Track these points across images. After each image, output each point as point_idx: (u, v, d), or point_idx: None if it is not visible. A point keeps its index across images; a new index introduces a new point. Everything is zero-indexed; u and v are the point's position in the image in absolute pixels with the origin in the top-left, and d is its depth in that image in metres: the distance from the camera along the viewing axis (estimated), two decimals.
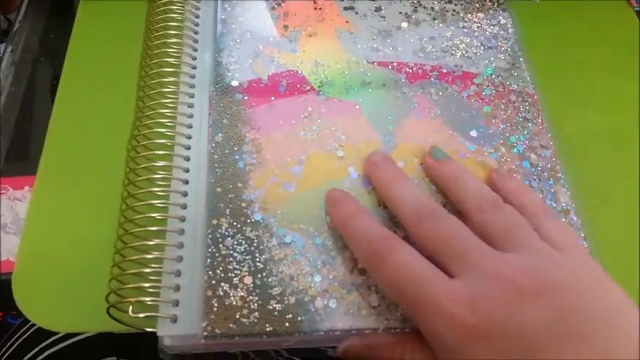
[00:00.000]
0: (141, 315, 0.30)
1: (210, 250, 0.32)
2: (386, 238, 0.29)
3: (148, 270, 0.31)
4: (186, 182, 0.34)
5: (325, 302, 0.31)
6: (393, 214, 0.33)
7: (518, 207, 0.31)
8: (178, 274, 0.31)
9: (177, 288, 0.31)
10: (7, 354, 0.40)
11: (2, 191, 0.40)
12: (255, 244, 0.32)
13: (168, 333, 0.30)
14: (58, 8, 0.52)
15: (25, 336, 0.41)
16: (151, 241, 0.31)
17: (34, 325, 0.41)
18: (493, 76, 0.40)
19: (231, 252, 0.32)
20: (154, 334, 0.30)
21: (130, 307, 0.30)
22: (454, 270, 0.27)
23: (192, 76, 0.39)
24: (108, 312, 0.30)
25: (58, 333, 0.39)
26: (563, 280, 0.26)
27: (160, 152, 0.35)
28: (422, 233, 0.30)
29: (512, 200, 0.32)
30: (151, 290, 0.31)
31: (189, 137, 0.36)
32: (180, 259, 0.32)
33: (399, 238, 0.29)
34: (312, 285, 0.31)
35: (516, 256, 0.27)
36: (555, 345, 0.24)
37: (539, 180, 0.36)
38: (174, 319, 0.30)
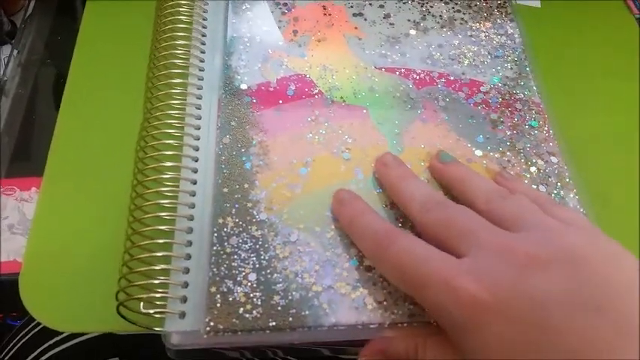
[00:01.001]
0: (151, 311, 0.30)
1: (215, 248, 0.32)
2: (390, 230, 0.30)
3: (157, 267, 0.31)
4: (194, 182, 0.35)
5: (330, 297, 0.31)
6: (401, 210, 0.33)
7: (531, 198, 0.31)
8: (186, 271, 0.32)
9: (186, 285, 0.31)
10: (8, 355, 0.40)
11: (9, 192, 0.40)
12: (260, 243, 0.33)
13: (175, 328, 0.30)
14: (63, 9, 0.53)
15: (27, 337, 0.40)
16: (159, 239, 0.32)
17: (36, 326, 0.41)
18: (500, 84, 0.41)
19: (236, 250, 0.32)
20: (159, 335, 0.30)
21: (142, 304, 0.30)
22: (461, 249, 0.27)
23: (200, 78, 0.39)
24: (117, 310, 0.30)
25: (59, 334, 0.39)
26: (575, 251, 0.25)
27: (169, 153, 0.35)
28: (428, 221, 0.30)
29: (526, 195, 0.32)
30: (159, 288, 0.31)
31: (197, 138, 0.36)
32: (188, 256, 0.32)
33: (403, 230, 0.30)
34: (317, 281, 0.31)
35: (526, 233, 0.27)
36: (569, 315, 0.23)
37: (547, 185, 0.36)
38: (182, 315, 0.30)
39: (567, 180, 0.36)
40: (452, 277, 0.25)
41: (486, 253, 0.26)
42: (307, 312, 0.30)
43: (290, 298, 0.31)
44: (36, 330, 0.40)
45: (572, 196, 0.35)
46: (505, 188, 0.32)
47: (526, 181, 0.36)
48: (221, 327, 0.30)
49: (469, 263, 0.26)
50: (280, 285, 0.31)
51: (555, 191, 0.36)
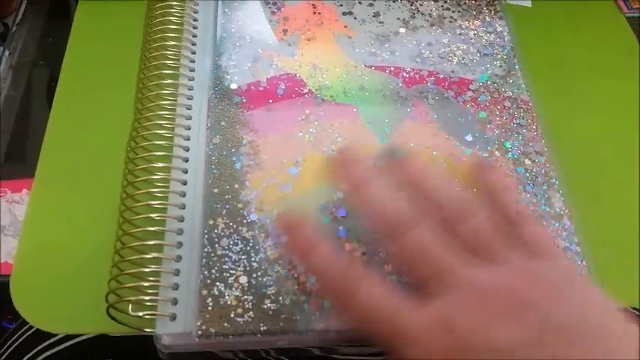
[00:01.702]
0: (140, 314, 0.30)
1: (206, 250, 0.32)
2: (349, 270, 0.28)
3: (147, 270, 0.31)
4: (185, 183, 0.35)
5: (320, 302, 0.31)
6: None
7: (498, 207, 0.31)
8: (177, 273, 0.32)
9: (176, 287, 0.31)
10: (3, 357, 0.40)
11: (1, 194, 0.40)
12: (250, 244, 0.33)
13: (167, 331, 0.30)
14: (55, 12, 0.53)
15: (21, 340, 0.40)
16: (150, 241, 0.32)
17: (29, 328, 0.41)
18: (489, 82, 0.41)
19: (227, 252, 0.32)
20: (150, 335, 0.30)
21: (130, 306, 0.30)
22: (430, 289, 0.27)
23: (191, 79, 0.39)
24: (107, 312, 0.30)
25: (53, 336, 0.39)
26: (541, 295, 0.25)
27: (159, 153, 0.35)
28: (397, 250, 0.28)
29: (494, 197, 0.32)
30: (150, 290, 0.31)
31: (187, 139, 0.36)
32: (178, 258, 0.32)
33: (361, 266, 0.28)
34: (307, 285, 0.31)
35: (492, 271, 0.27)
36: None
37: (534, 185, 0.36)
38: (172, 318, 0.30)
39: (553, 180, 0.36)
40: (422, 334, 0.25)
41: (455, 301, 0.26)
42: (298, 317, 0.30)
43: (281, 302, 0.31)
44: (30, 332, 0.40)
45: (558, 197, 0.36)
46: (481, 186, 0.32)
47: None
48: (213, 331, 0.30)
49: (438, 311, 0.26)
50: (271, 288, 0.31)
51: (541, 191, 0.36)
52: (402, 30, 0.43)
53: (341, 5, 0.44)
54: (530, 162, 0.37)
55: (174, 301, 0.31)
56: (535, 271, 0.27)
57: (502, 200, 0.31)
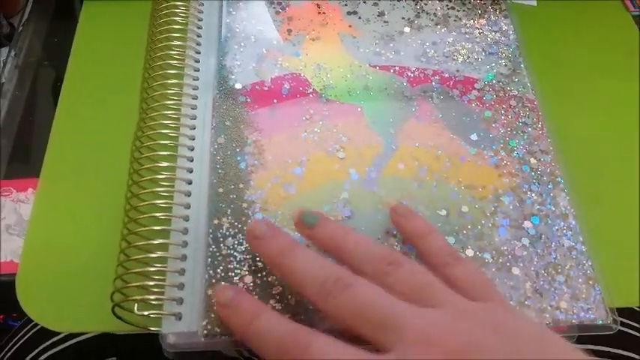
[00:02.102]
0: (146, 313, 0.30)
1: (211, 249, 0.32)
2: (298, 333, 0.27)
3: (152, 269, 0.31)
4: (190, 182, 0.35)
5: None
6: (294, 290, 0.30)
7: (422, 252, 0.31)
8: (182, 272, 0.32)
9: (182, 286, 0.31)
10: (7, 355, 0.40)
11: (6, 193, 0.40)
12: None
13: (172, 330, 0.30)
14: (61, 12, 0.53)
15: (26, 337, 0.41)
16: (155, 240, 0.32)
17: (34, 326, 0.41)
18: (494, 81, 0.41)
19: (232, 252, 0.32)
20: (156, 334, 0.30)
21: (135, 305, 0.30)
22: (382, 342, 0.26)
23: (196, 79, 0.39)
24: (113, 311, 0.30)
25: (58, 334, 0.39)
26: (485, 340, 0.25)
27: (164, 153, 0.35)
28: (335, 310, 0.27)
29: (416, 244, 0.32)
30: (155, 289, 0.31)
31: (192, 138, 0.36)
32: (184, 257, 0.32)
33: (308, 330, 0.27)
34: None
35: (436, 315, 0.26)
36: None
37: (539, 184, 0.36)
38: (178, 317, 0.30)
39: (559, 179, 0.36)
40: None
41: (411, 351, 0.25)
42: (302, 317, 0.30)
43: (286, 301, 0.31)
44: (34, 330, 0.40)
45: (563, 196, 0.36)
46: (401, 233, 0.33)
47: (518, 181, 0.36)
48: (218, 330, 0.30)
49: None
50: (276, 288, 0.31)
51: (547, 190, 0.36)
52: (407, 29, 0.43)
53: (345, 5, 0.44)
54: (535, 161, 0.37)
55: (180, 301, 0.31)
56: (475, 313, 0.27)
57: (426, 245, 0.31)
